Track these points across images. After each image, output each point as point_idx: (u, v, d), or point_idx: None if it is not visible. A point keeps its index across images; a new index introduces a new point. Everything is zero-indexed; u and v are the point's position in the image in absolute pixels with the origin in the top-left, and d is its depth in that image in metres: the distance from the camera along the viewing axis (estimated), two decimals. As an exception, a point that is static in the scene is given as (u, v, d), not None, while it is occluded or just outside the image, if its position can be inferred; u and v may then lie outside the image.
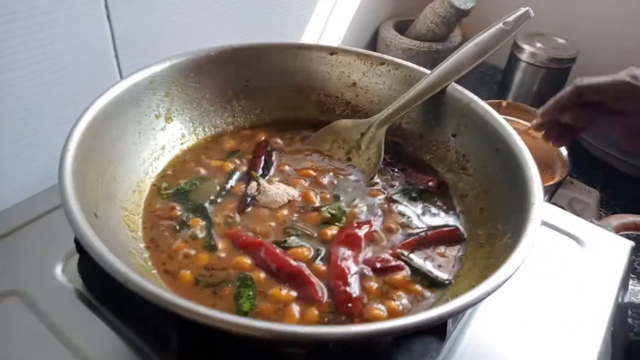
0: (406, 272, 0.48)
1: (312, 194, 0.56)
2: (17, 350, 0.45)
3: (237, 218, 0.52)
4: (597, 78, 0.69)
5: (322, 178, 0.58)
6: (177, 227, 0.51)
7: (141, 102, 0.56)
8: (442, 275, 0.48)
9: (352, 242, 0.49)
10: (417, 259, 0.50)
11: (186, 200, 0.54)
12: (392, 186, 0.59)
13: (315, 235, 0.51)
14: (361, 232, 0.50)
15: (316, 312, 0.43)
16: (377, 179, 0.59)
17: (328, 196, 0.56)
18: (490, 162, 0.54)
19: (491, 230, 0.49)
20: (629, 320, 0.70)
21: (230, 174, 0.58)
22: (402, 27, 1.22)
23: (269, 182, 0.57)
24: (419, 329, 0.36)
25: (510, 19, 0.58)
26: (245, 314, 0.43)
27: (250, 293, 0.44)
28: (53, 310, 0.48)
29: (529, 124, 0.90)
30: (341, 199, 0.56)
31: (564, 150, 0.85)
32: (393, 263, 0.48)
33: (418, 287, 0.47)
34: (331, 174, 0.59)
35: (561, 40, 1.13)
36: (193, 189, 0.55)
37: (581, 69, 1.12)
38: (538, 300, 0.54)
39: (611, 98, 0.68)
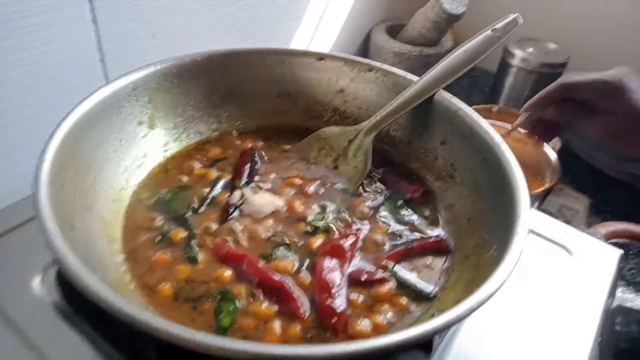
0: (392, 284, 0.47)
1: (297, 203, 0.55)
2: (-10, 366, 0.43)
3: (219, 229, 0.51)
4: (583, 75, 0.70)
5: (308, 187, 0.57)
6: (158, 239, 0.49)
7: (123, 108, 0.54)
8: (428, 288, 0.47)
9: (338, 253, 0.48)
10: (403, 270, 0.49)
11: (167, 210, 0.53)
12: (379, 195, 0.58)
13: (301, 245, 0.50)
14: (346, 243, 0.49)
15: (298, 328, 0.42)
16: (363, 188, 0.58)
17: (313, 206, 0.55)
18: (478, 171, 0.53)
19: (478, 241, 0.49)
20: (617, 327, 0.70)
21: (214, 182, 0.57)
22: (394, 31, 1.22)
23: (254, 191, 0.56)
24: (403, 347, 0.35)
25: (499, 25, 0.57)
26: (224, 330, 0.41)
27: (231, 308, 0.43)
28: (29, 324, 0.46)
29: (521, 130, 0.90)
30: (327, 208, 0.55)
31: (553, 157, 0.85)
32: (378, 276, 0.47)
33: (403, 301, 0.46)
34: (317, 182, 0.58)
35: (552, 46, 1.13)
36: (175, 198, 0.54)
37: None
38: (526, 309, 0.53)
39: (596, 96, 0.69)
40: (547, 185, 0.82)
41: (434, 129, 0.60)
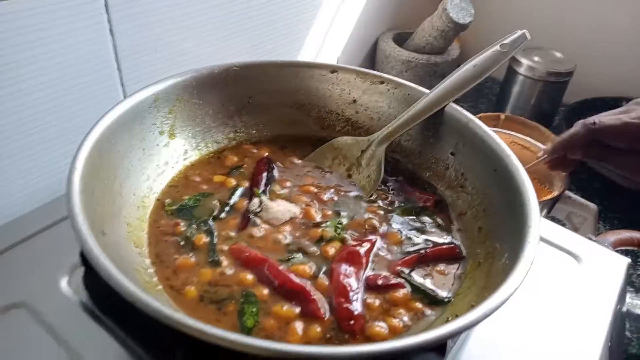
0: (407, 289, 0.49)
1: (313, 210, 0.57)
2: (23, 362, 0.45)
3: (240, 234, 0.53)
4: (609, 119, 0.69)
5: (323, 195, 0.59)
6: (181, 243, 0.52)
7: (145, 119, 0.57)
8: (442, 293, 0.49)
9: (354, 259, 0.50)
10: (417, 276, 0.51)
11: (190, 216, 0.55)
12: (392, 203, 0.60)
13: (317, 252, 0.52)
14: (362, 250, 0.51)
15: (319, 329, 0.44)
16: (376, 196, 0.60)
17: (329, 213, 0.57)
18: (488, 181, 0.55)
19: (489, 249, 0.50)
20: (627, 333, 0.71)
21: (233, 190, 0.59)
22: (401, 40, 1.24)
23: (271, 198, 0.58)
24: (417, 350, 0.37)
25: (507, 41, 0.59)
26: (249, 330, 0.44)
27: (254, 309, 0.45)
28: (59, 322, 0.48)
29: (527, 139, 0.92)
30: (342, 215, 0.57)
31: None
32: (394, 281, 0.49)
33: (418, 305, 0.48)
34: (332, 190, 0.61)
35: (559, 54, 1.15)
36: (197, 205, 0.56)
37: (578, 83, 1.14)
38: (536, 316, 0.54)
39: (628, 140, 0.67)
40: (555, 194, 0.83)
41: (445, 140, 0.61)
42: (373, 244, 0.53)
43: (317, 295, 0.47)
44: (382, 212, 0.58)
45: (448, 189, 0.61)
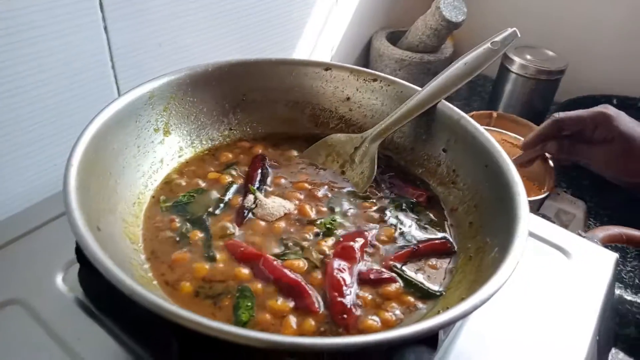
0: (399, 283, 0.50)
1: (307, 207, 0.57)
2: (19, 358, 0.46)
3: (235, 230, 0.54)
4: (571, 112, 0.79)
5: (317, 191, 0.60)
6: (177, 239, 0.52)
7: (140, 116, 0.57)
8: (434, 287, 0.50)
9: (347, 255, 0.51)
10: (409, 270, 0.52)
11: (185, 212, 0.55)
12: (385, 199, 0.60)
13: (312, 247, 0.53)
14: (356, 245, 0.52)
15: (313, 322, 0.45)
16: (370, 192, 0.61)
17: (323, 209, 0.58)
18: (480, 177, 0.56)
19: (480, 244, 0.51)
20: (616, 328, 0.72)
21: (227, 187, 0.59)
22: (395, 38, 1.24)
23: (266, 195, 0.58)
24: (410, 341, 0.38)
25: (498, 39, 0.60)
26: (244, 324, 0.44)
27: (249, 304, 0.46)
28: (54, 318, 0.49)
29: (518, 137, 0.94)
30: (336, 211, 0.58)
31: (550, 164, 0.87)
32: (386, 275, 0.50)
33: (411, 299, 0.48)
34: (326, 187, 0.61)
35: (550, 53, 1.16)
36: (191, 201, 0.57)
37: (570, 81, 1.15)
38: (526, 310, 0.55)
39: (590, 127, 0.76)
40: (545, 192, 0.85)
41: (437, 137, 0.62)
42: (366, 239, 0.54)
43: (311, 290, 0.47)
44: (375, 208, 0.59)
45: (440, 185, 0.61)
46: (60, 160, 0.51)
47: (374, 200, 0.60)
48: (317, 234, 0.54)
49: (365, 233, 0.55)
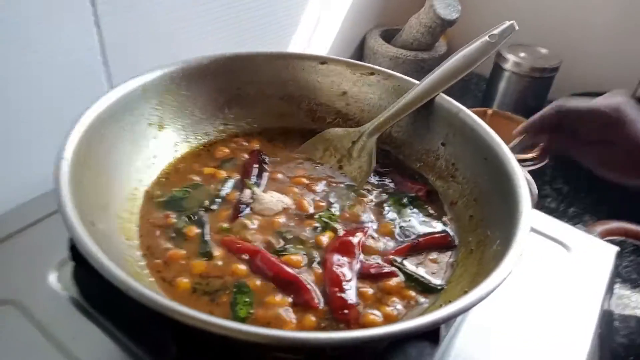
0: (400, 278, 0.49)
1: (305, 201, 0.57)
2: (13, 358, 0.45)
3: (232, 225, 0.53)
4: (578, 102, 0.68)
5: (314, 186, 0.59)
6: (172, 235, 0.51)
7: (134, 110, 0.56)
8: (435, 280, 0.50)
9: (346, 249, 0.50)
10: (410, 265, 0.51)
11: (181, 208, 0.54)
12: (384, 193, 0.60)
13: (310, 242, 0.52)
14: (355, 239, 0.51)
15: (313, 318, 0.44)
16: (368, 187, 0.60)
17: (321, 204, 0.57)
18: (479, 170, 0.55)
19: (481, 237, 0.51)
20: (616, 322, 0.72)
21: (223, 182, 0.58)
22: (389, 36, 1.24)
23: (264, 189, 0.57)
24: (412, 335, 0.37)
25: (496, 32, 0.60)
26: (242, 320, 0.43)
27: (247, 300, 0.45)
28: (48, 318, 0.48)
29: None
30: (334, 206, 0.57)
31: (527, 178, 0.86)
32: (387, 269, 0.49)
33: (412, 293, 0.48)
34: (323, 181, 0.60)
35: (544, 51, 1.16)
36: (187, 197, 0.56)
37: (564, 78, 1.15)
38: (527, 304, 0.55)
39: (592, 127, 0.67)
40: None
41: (435, 131, 0.62)
42: (365, 233, 0.53)
43: (310, 285, 0.46)
44: (374, 203, 0.58)
45: (439, 179, 0.61)
46: (51, 157, 0.50)
47: (373, 195, 0.59)
48: (315, 229, 0.53)
49: (364, 228, 0.54)
